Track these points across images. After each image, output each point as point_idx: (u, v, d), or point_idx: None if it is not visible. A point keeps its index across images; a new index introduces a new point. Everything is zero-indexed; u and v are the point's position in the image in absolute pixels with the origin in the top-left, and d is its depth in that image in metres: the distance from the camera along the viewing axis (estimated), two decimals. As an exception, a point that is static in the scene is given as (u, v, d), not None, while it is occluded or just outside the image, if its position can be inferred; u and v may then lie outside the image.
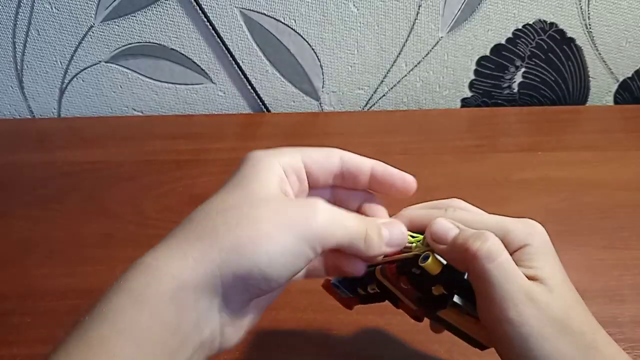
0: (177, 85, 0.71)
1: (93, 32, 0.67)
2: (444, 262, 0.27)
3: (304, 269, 0.26)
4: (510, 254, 0.26)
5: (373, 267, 0.30)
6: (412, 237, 0.29)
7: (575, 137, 0.63)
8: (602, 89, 0.71)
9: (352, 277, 0.29)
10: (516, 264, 0.26)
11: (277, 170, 0.27)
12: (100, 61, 0.69)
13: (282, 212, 0.24)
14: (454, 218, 0.28)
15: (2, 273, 0.48)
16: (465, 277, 0.26)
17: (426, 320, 0.32)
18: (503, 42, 0.67)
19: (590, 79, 0.70)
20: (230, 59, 0.68)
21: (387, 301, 0.32)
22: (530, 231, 0.27)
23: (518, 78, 0.70)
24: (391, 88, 0.71)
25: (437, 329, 0.32)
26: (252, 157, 0.28)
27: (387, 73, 0.70)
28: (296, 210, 0.25)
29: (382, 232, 0.28)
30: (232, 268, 0.23)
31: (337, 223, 0.25)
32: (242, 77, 0.70)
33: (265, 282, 0.24)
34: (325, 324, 0.41)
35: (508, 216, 0.28)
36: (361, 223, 0.27)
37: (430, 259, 0.27)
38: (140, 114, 0.74)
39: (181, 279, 0.23)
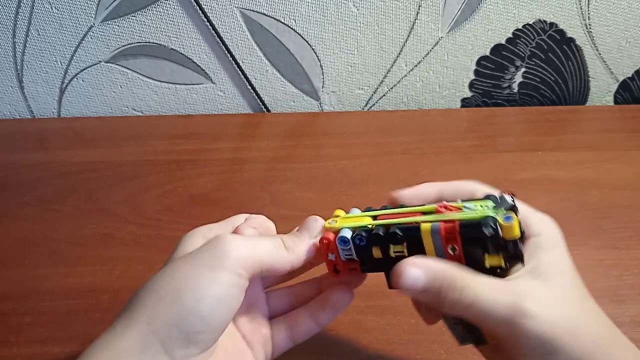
0: (177, 85, 0.71)
1: (93, 32, 0.67)
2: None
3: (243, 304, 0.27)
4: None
5: (407, 226, 0.26)
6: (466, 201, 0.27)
7: (575, 137, 0.63)
8: (602, 89, 0.71)
9: (376, 232, 0.27)
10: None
11: (199, 233, 0.29)
12: (100, 61, 0.69)
13: (196, 258, 0.26)
14: None
15: (2, 273, 0.48)
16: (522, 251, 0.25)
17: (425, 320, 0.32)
18: (503, 42, 0.67)
19: (590, 79, 0.70)
20: (230, 59, 0.68)
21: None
22: (544, 223, 0.28)
23: (518, 78, 0.70)
24: (391, 88, 0.71)
25: (431, 320, 0.31)
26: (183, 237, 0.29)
27: (387, 73, 0.70)
28: (207, 249, 0.26)
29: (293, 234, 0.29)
30: (162, 319, 0.24)
31: (248, 241, 0.27)
32: (242, 77, 0.70)
33: (202, 320, 0.24)
34: (325, 324, 0.41)
35: None
36: (272, 236, 0.29)
37: (515, 220, 0.24)
38: (140, 114, 0.74)
39: (115, 349, 0.24)
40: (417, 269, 0.25)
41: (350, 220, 0.29)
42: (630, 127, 0.65)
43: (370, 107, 0.73)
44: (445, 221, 0.25)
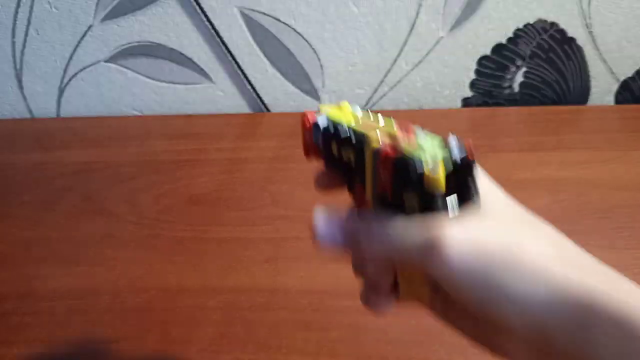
0: (177, 85, 0.71)
1: (92, 32, 0.67)
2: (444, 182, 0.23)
3: None
4: None
5: (362, 138, 0.26)
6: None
7: (575, 137, 0.63)
8: (602, 89, 0.71)
9: (336, 129, 0.27)
10: None
11: None
12: (99, 61, 0.69)
13: None
14: None
15: (2, 273, 0.48)
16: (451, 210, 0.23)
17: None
18: (504, 41, 0.67)
19: (591, 78, 0.70)
20: (230, 58, 0.68)
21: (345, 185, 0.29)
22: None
23: (519, 78, 0.70)
24: (391, 88, 0.71)
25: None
26: None
27: (388, 73, 0.70)
28: None
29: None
30: None
31: None
32: (242, 76, 0.70)
33: None
34: (325, 324, 0.41)
35: None
36: None
37: (439, 177, 0.22)
38: (140, 113, 0.74)
39: None
40: (327, 228, 0.26)
41: (340, 113, 0.29)
42: (630, 127, 0.65)
43: (371, 106, 0.73)
44: (390, 145, 0.24)
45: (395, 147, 0.24)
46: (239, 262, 0.48)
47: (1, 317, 0.43)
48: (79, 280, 0.46)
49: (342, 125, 0.27)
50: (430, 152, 0.23)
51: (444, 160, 0.23)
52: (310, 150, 0.30)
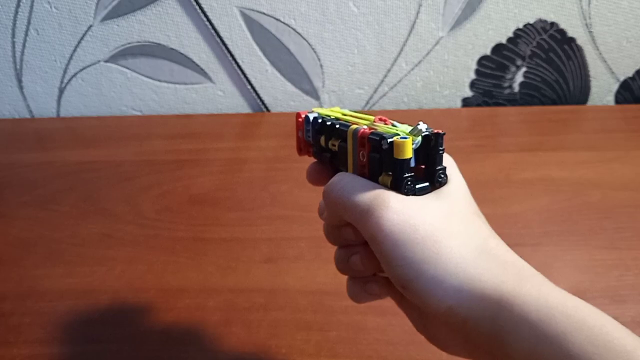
0: (177, 85, 0.71)
1: (92, 32, 0.67)
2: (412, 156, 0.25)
3: None
4: None
5: (346, 126, 0.28)
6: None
7: (575, 137, 0.63)
8: (602, 89, 0.71)
9: (322, 123, 0.30)
10: None
11: None
12: (99, 61, 0.69)
13: None
14: None
15: (1, 273, 0.48)
16: (421, 188, 0.25)
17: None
18: (504, 41, 0.67)
19: (591, 78, 0.70)
20: (230, 58, 0.68)
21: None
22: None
23: (519, 78, 0.70)
24: (391, 87, 0.71)
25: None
26: None
27: (388, 72, 0.70)
28: None
29: None
30: None
31: None
32: (242, 76, 0.70)
33: None
34: (325, 324, 0.41)
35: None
36: None
37: (407, 141, 0.24)
38: (140, 113, 0.74)
39: None
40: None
41: (329, 112, 0.32)
42: (631, 127, 0.65)
43: (371, 106, 0.73)
44: (368, 127, 0.27)
45: (371, 128, 0.27)
46: (239, 262, 0.48)
47: (1, 317, 0.43)
48: (78, 280, 0.46)
49: (329, 117, 0.31)
50: (402, 130, 0.26)
51: (413, 132, 0.26)
52: (302, 146, 0.33)
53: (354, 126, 0.28)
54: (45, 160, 0.63)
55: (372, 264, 0.27)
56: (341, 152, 0.29)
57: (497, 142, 0.63)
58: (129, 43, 0.67)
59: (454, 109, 0.72)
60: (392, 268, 0.23)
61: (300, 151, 0.33)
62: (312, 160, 0.33)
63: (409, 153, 0.25)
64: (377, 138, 0.25)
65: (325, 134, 0.30)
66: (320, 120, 0.31)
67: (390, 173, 0.25)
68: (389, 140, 0.25)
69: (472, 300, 0.21)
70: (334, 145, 0.29)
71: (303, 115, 0.32)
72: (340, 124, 0.29)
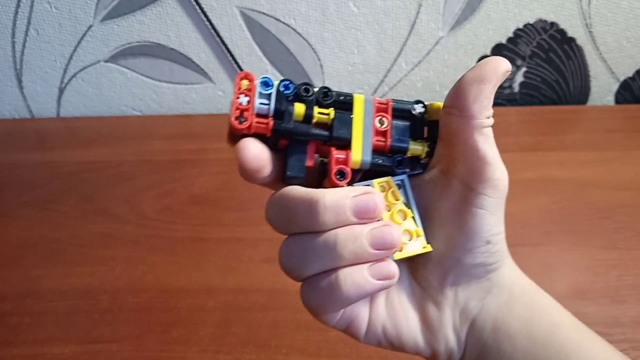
0: (177, 85, 0.71)
1: (92, 32, 0.67)
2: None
3: None
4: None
5: (341, 92, 0.24)
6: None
7: (575, 137, 0.63)
8: (602, 89, 0.71)
9: (307, 83, 0.24)
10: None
11: None
12: (99, 61, 0.69)
13: None
14: None
15: (1, 273, 0.48)
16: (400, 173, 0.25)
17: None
18: (504, 41, 0.67)
19: (591, 78, 0.70)
20: (230, 58, 0.68)
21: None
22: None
23: (519, 78, 0.70)
24: (391, 88, 0.71)
25: None
26: None
27: (388, 73, 0.70)
28: None
29: None
30: None
31: None
32: (242, 76, 0.70)
33: None
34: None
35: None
36: None
37: (439, 102, 0.25)
38: (140, 113, 0.74)
39: None
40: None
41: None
42: (631, 127, 0.65)
43: (371, 106, 0.73)
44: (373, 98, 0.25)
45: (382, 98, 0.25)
46: (239, 262, 0.48)
47: (1, 317, 0.43)
48: (78, 280, 0.46)
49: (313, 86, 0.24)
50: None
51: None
52: (249, 117, 0.23)
53: (357, 94, 0.25)
54: (45, 160, 0.63)
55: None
56: (340, 121, 0.24)
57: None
58: (129, 43, 0.67)
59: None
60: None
61: (240, 123, 0.23)
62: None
63: (440, 112, 0.25)
64: (407, 105, 0.25)
65: (305, 101, 0.24)
66: (293, 86, 0.24)
67: (423, 139, 0.25)
68: (422, 104, 0.25)
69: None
70: (326, 114, 0.24)
71: (253, 76, 0.23)
72: (336, 92, 0.24)
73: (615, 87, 0.71)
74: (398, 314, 0.26)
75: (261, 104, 0.23)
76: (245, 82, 0.23)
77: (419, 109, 0.25)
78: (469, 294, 0.25)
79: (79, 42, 0.67)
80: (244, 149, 0.23)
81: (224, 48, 0.67)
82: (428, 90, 0.71)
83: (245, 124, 0.23)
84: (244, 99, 0.23)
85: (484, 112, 0.25)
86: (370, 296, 0.26)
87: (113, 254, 0.49)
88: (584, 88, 0.71)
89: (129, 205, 0.55)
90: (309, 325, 0.41)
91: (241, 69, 0.68)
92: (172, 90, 0.71)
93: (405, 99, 0.26)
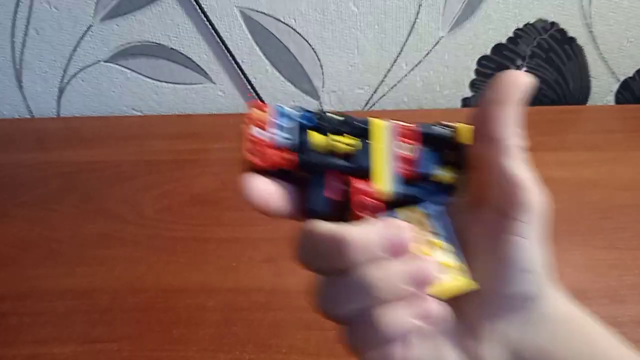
0: (177, 85, 0.71)
1: (92, 32, 0.66)
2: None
3: None
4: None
5: (358, 119, 0.23)
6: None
7: (576, 137, 0.63)
8: (603, 89, 0.71)
9: (323, 112, 0.23)
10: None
11: None
12: (99, 61, 0.69)
13: None
14: None
15: (1, 273, 0.48)
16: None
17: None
18: (504, 41, 0.67)
19: (591, 78, 0.70)
20: (230, 58, 0.68)
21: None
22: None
23: (518, 78, 0.70)
24: (391, 88, 0.71)
25: None
26: None
27: (388, 73, 0.70)
28: None
29: None
30: None
31: None
32: (242, 77, 0.70)
33: None
34: (325, 324, 0.41)
35: None
36: None
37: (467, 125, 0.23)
38: (140, 113, 0.74)
39: None
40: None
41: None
42: (631, 127, 0.65)
43: (371, 106, 0.73)
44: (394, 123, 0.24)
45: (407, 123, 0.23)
46: (239, 262, 0.48)
47: (1, 317, 0.43)
48: (78, 281, 0.46)
49: (328, 114, 0.23)
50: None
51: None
52: (262, 153, 0.23)
53: (374, 119, 0.24)
54: (44, 160, 0.63)
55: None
56: (360, 149, 0.23)
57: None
58: (129, 43, 0.67)
59: (454, 109, 0.72)
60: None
61: (261, 160, 0.23)
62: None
63: (470, 136, 0.24)
64: (435, 128, 0.24)
65: (323, 130, 0.23)
66: (312, 114, 0.23)
67: (451, 164, 0.24)
68: (451, 127, 0.24)
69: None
70: (343, 143, 0.23)
71: (267, 108, 0.23)
72: (354, 119, 0.23)
73: (615, 87, 0.71)
74: (436, 347, 0.24)
75: (281, 137, 0.23)
76: (257, 112, 0.23)
77: (446, 133, 0.24)
78: (508, 325, 0.24)
79: (79, 42, 0.67)
80: (246, 188, 0.23)
81: (223, 48, 0.67)
82: (428, 90, 0.71)
83: (267, 161, 0.23)
84: (260, 132, 0.23)
85: (509, 133, 0.25)
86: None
87: (113, 254, 0.49)
88: (584, 88, 0.71)
89: (129, 205, 0.55)
90: (309, 325, 0.41)
91: (241, 69, 0.69)
92: (172, 90, 0.71)
93: (431, 123, 0.24)
